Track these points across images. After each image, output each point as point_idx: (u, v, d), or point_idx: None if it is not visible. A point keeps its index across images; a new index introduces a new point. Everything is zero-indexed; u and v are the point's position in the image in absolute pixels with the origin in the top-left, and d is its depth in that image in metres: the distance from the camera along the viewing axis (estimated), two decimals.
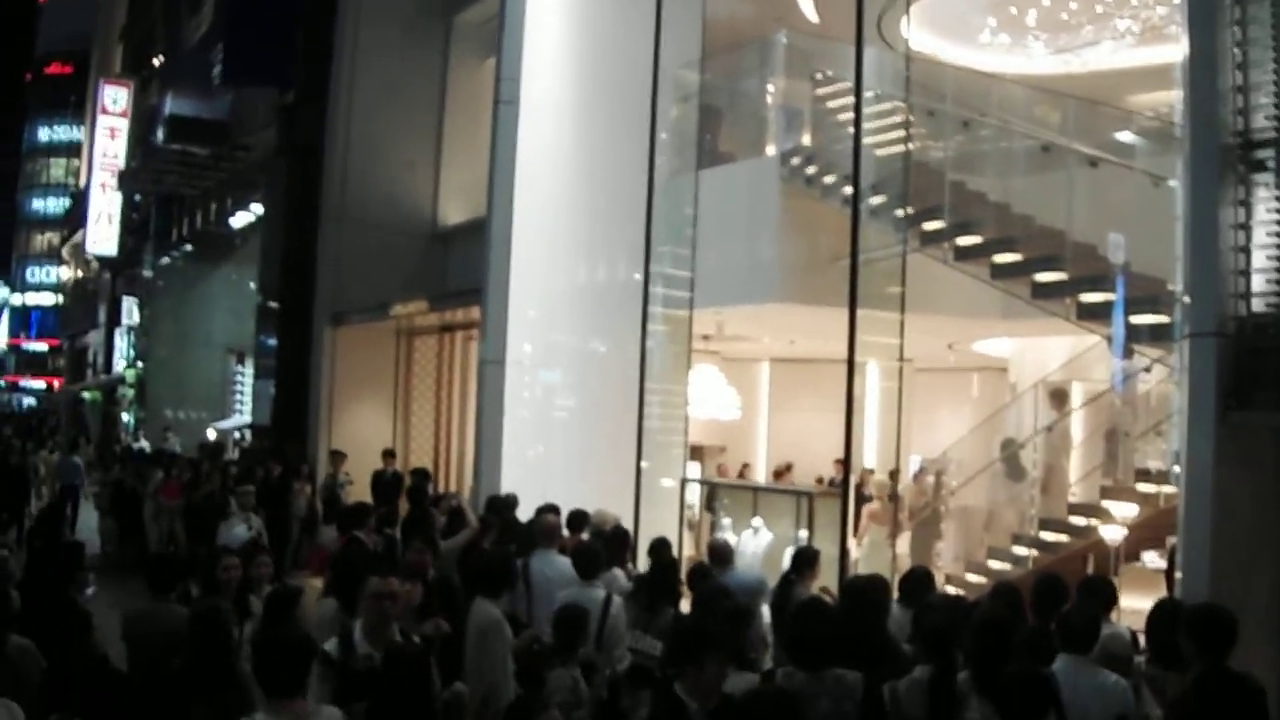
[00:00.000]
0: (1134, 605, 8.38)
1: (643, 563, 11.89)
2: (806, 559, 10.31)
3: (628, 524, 13.60)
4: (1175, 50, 9.11)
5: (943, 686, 6.58)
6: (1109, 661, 6.91)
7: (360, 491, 19.56)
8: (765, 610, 9.82)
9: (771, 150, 16.96)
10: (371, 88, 23.60)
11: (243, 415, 33.68)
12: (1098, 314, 12.69)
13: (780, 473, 20.48)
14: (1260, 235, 8.31)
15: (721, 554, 10.80)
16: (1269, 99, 8.36)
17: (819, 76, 16.93)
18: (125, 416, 45.85)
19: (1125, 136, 15.17)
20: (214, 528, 14.84)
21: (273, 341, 26.63)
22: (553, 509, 11.22)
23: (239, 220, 33.06)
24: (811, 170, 15.74)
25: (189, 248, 39.74)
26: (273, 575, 9.39)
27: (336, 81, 24.01)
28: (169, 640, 7.86)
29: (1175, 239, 8.93)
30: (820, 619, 6.72)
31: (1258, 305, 8.29)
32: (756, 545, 14.46)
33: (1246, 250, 8.34)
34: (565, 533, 11.07)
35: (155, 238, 42.18)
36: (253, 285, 30.28)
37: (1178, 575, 8.54)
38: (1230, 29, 8.54)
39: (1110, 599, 8.15)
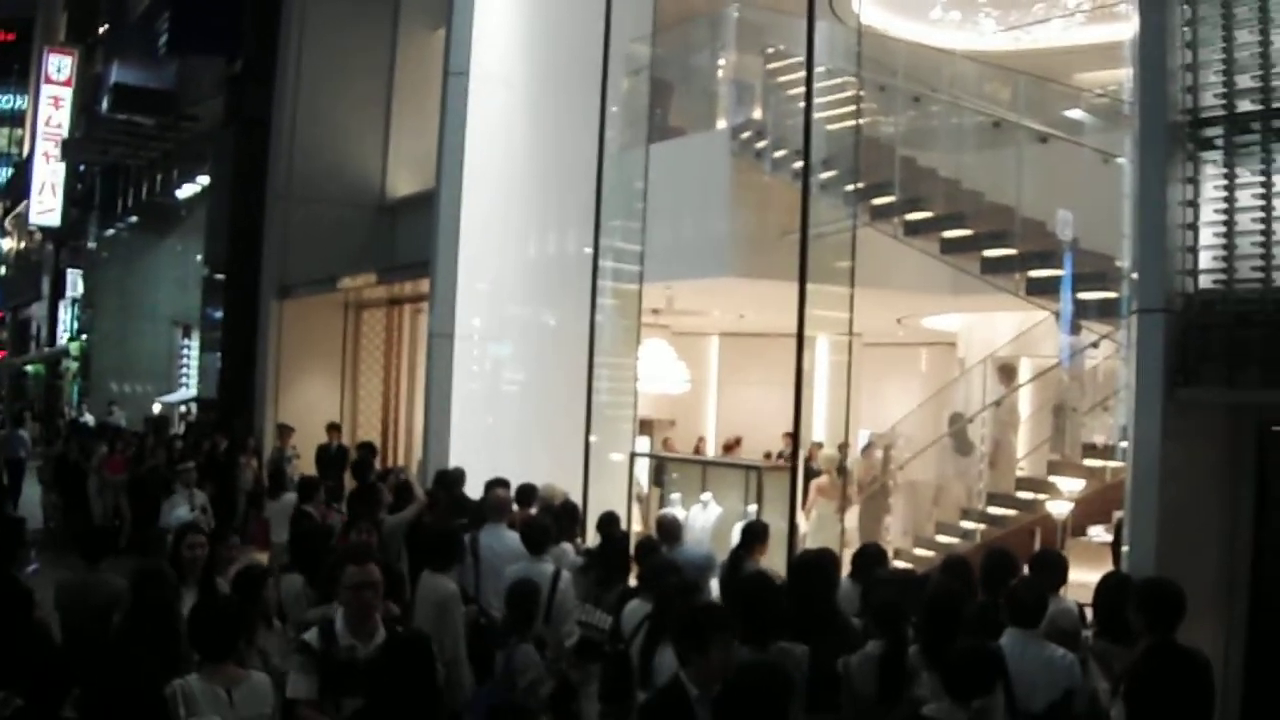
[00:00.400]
0: (1080, 579, 8.43)
1: (591, 537, 11.88)
2: (755, 533, 10.27)
3: (576, 498, 13.60)
4: (1124, 28, 9.14)
5: (894, 661, 6.62)
6: (1057, 636, 6.96)
7: (307, 465, 19.53)
8: (714, 585, 9.83)
9: (722, 124, 16.97)
10: (320, 58, 23.38)
11: (188, 389, 33.37)
12: (1046, 289, 12.77)
13: (729, 446, 20.51)
14: (1208, 213, 8.34)
15: (670, 529, 10.78)
16: (1218, 78, 8.39)
17: (770, 51, 16.90)
18: (69, 390, 45.38)
19: (1074, 113, 15.25)
20: (159, 502, 14.76)
21: (219, 314, 26.37)
22: (502, 483, 11.18)
23: (185, 191, 32.70)
24: (762, 145, 15.75)
25: (134, 219, 39.25)
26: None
27: (284, 51, 23.77)
28: (103, 609, 8.04)
29: (1123, 216, 8.97)
30: (765, 593, 6.73)
31: (1205, 282, 8.33)
32: (705, 520, 14.47)
33: (1194, 228, 8.38)
34: (515, 507, 11.02)
35: (100, 209, 41.63)
36: (199, 257, 29.93)
37: (1124, 550, 8.59)
38: (1180, 7, 8.56)
39: (1062, 575, 8.21)
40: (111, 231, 41.14)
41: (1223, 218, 8.24)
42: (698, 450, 21.29)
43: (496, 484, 11.13)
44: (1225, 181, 8.26)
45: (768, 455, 19.01)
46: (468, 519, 10.83)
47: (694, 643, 5.58)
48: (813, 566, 7.87)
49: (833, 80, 14.78)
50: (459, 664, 7.86)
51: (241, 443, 20.12)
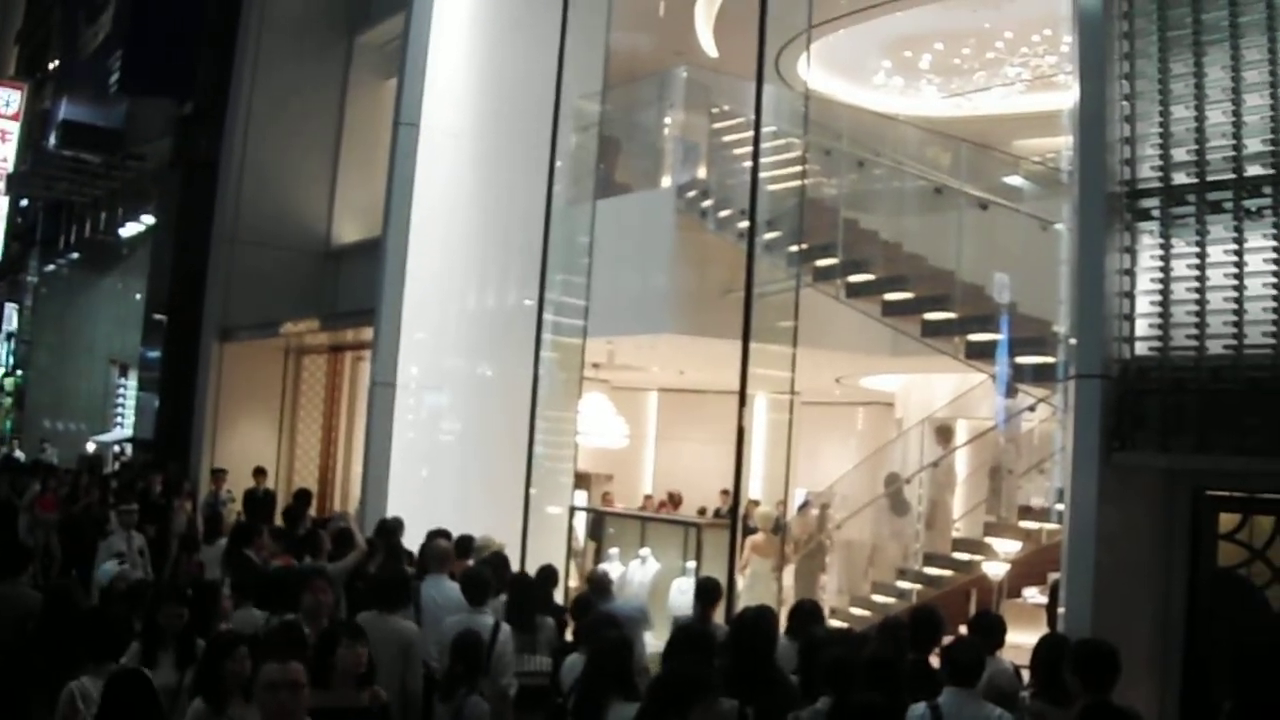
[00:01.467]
0: (1015, 641, 8.53)
1: None
2: (706, 591, 10.15)
3: (514, 551, 13.59)
4: (1063, 98, 9.36)
5: (843, 717, 6.69)
6: (995, 696, 7.04)
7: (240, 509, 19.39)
8: (648, 638, 9.86)
9: (668, 182, 17.08)
10: (270, 102, 23.35)
11: (124, 429, 33.01)
12: (985, 353, 12.93)
13: (664, 504, 20.56)
14: (1144, 281, 8.56)
15: (601, 584, 10.84)
16: (1154, 150, 8.63)
17: (716, 111, 17.08)
18: (1, 425, 44.78)
19: (1014, 180, 15.49)
20: (91, 542, 14.58)
21: (158, 354, 26.16)
22: (444, 534, 11.18)
23: (128, 230, 32.52)
24: (707, 204, 15.86)
25: (76, 256, 38.99)
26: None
27: (235, 95, 23.71)
28: (20, 621, 8.33)
29: (1061, 282, 9.14)
30: (702, 647, 6.74)
31: (1141, 349, 8.53)
32: (644, 575, 14.50)
33: (1131, 296, 8.59)
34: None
35: (42, 244, 41.33)
36: (139, 297, 29.74)
37: (1060, 611, 8.71)
38: (1119, 81, 8.81)
39: (1000, 636, 8.31)
40: (52, 267, 40.88)
41: (1159, 286, 8.46)
42: (644, 507, 21.16)
43: (438, 534, 11.13)
44: (1161, 251, 8.48)
45: (702, 511, 19.02)
46: (410, 569, 10.82)
47: (672, 706, 5.40)
48: (753, 624, 7.90)
49: (778, 142, 14.94)
50: (419, 700, 8.15)
51: (177, 486, 19.92)
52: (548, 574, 11.01)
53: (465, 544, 11.56)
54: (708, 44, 20.33)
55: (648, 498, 22.32)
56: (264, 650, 6.31)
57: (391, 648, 8.18)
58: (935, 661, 7.74)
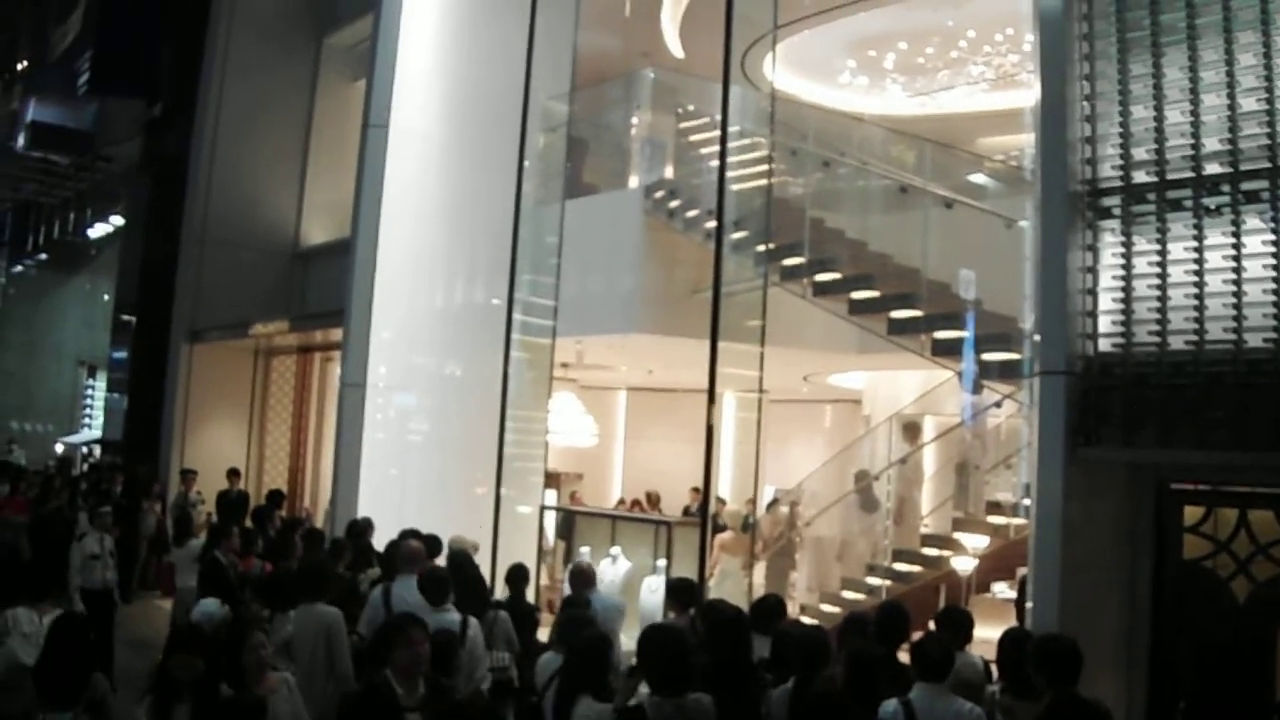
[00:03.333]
0: (985, 635, 8.62)
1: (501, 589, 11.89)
2: (679, 592, 10.15)
3: (486, 550, 13.62)
4: (1026, 96, 9.46)
5: (804, 694, 6.79)
6: (961, 687, 7.12)
7: (210, 510, 19.37)
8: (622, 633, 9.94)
9: (635, 182, 17.15)
10: (239, 104, 23.39)
11: (92, 430, 32.91)
12: (951, 350, 13.03)
13: (636, 503, 20.56)
14: (1106, 279, 8.68)
15: (585, 576, 10.90)
16: (1115, 150, 8.76)
17: (682, 111, 17.15)
18: None
19: (978, 178, 15.60)
20: (62, 543, 14.54)
21: (126, 355, 26.09)
22: (414, 534, 11.20)
23: (96, 231, 32.50)
24: (674, 204, 15.95)
25: (44, 257, 38.84)
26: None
27: (204, 96, 23.71)
28: None
29: (1025, 279, 9.25)
30: (677, 646, 6.79)
31: (1104, 345, 8.65)
32: (615, 574, 14.53)
33: (1094, 293, 8.71)
34: None
35: (10, 245, 41.09)
36: (107, 298, 29.65)
37: (1028, 605, 8.81)
38: (1079, 82, 8.93)
39: (968, 631, 8.38)
40: (20, 268, 40.67)
41: (1121, 284, 8.59)
42: (630, 508, 21.00)
43: (408, 535, 11.16)
44: (1123, 249, 8.61)
45: (686, 511, 18.95)
46: (381, 569, 10.85)
47: None
48: (735, 621, 7.96)
49: (744, 141, 15.01)
50: (350, 679, 8.50)
51: (146, 487, 19.88)
52: (518, 572, 11.03)
53: (434, 544, 11.56)
54: (674, 45, 20.40)
55: (621, 501, 22.17)
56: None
57: (319, 633, 8.66)
58: (904, 658, 7.84)
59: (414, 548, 10.58)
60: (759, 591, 14.15)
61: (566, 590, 11.50)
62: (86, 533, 14.23)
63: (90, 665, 7.16)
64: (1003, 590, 14.37)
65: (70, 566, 13.44)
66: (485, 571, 12.17)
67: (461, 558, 11.04)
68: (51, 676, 6.88)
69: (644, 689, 6.58)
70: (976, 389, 13.75)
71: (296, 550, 11.68)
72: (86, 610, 12.31)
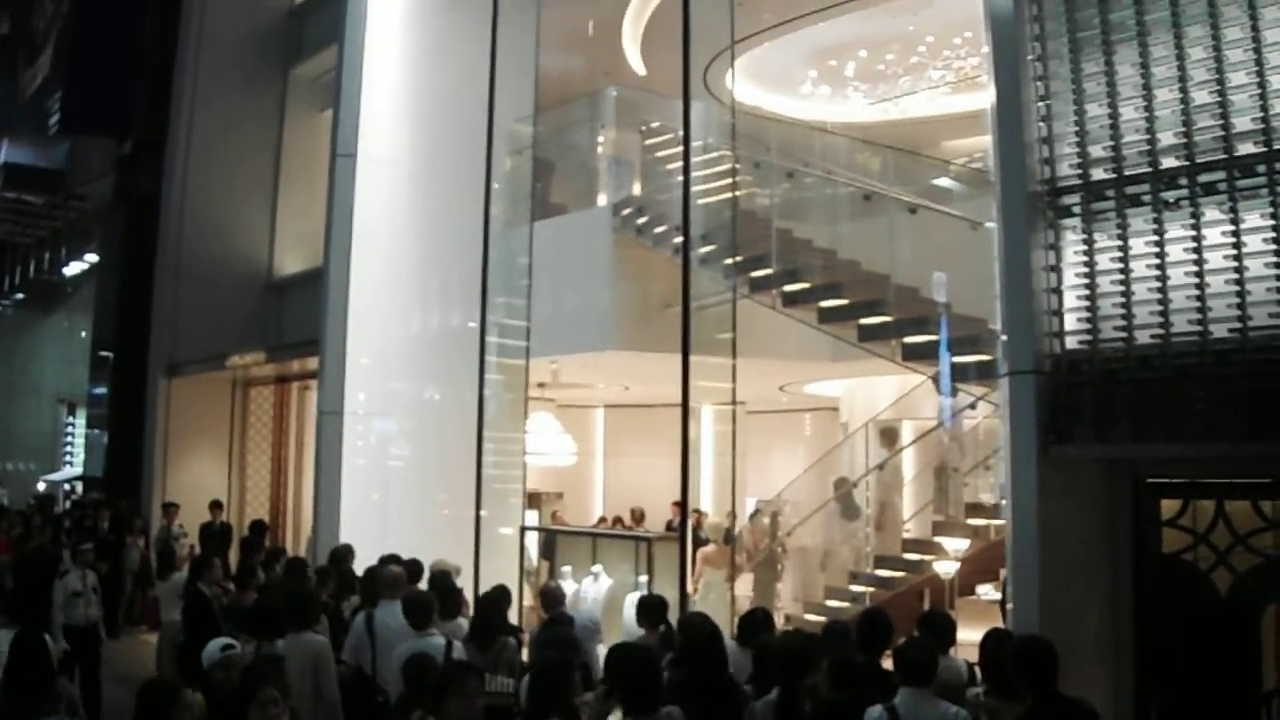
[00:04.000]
0: (971, 638, 8.63)
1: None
2: (649, 610, 10.08)
3: (468, 573, 13.61)
4: (987, 98, 9.52)
5: (790, 705, 6.79)
6: (943, 691, 7.13)
7: (194, 543, 19.34)
8: (600, 651, 9.91)
9: (603, 201, 17.18)
10: (209, 139, 23.42)
11: (73, 467, 32.81)
12: (922, 354, 13.02)
13: (619, 520, 20.56)
14: (1070, 277, 8.74)
15: (552, 598, 10.91)
16: (1072, 148, 8.82)
17: (646, 129, 17.19)
18: None
19: (943, 182, 15.67)
20: (45, 581, 14.48)
21: (105, 391, 26.04)
22: (395, 559, 11.21)
23: (72, 269, 32.46)
24: (642, 220, 15.97)
25: (20, 296, 38.75)
26: None
27: (174, 132, 23.72)
28: None
29: (993, 280, 9.29)
30: (644, 665, 6.79)
31: (1071, 343, 8.69)
32: (596, 591, 14.50)
33: (1059, 291, 8.77)
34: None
35: None
36: (85, 335, 29.60)
37: (1009, 606, 8.83)
38: (1034, 83, 9.00)
39: (950, 635, 8.40)
40: None
41: (1085, 281, 8.64)
42: (613, 525, 20.95)
43: (388, 560, 11.17)
44: (1085, 247, 8.67)
45: (669, 526, 18.91)
46: (360, 595, 10.82)
47: None
48: (711, 637, 7.96)
49: (709, 155, 15.05)
50: (338, 707, 8.65)
51: (128, 522, 19.83)
52: (500, 594, 11.01)
53: (415, 568, 11.55)
54: (636, 63, 20.46)
55: (601, 519, 22.11)
56: None
57: (307, 662, 8.65)
58: (887, 663, 7.86)
59: (395, 573, 10.57)
60: (742, 604, 14.19)
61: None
62: (69, 570, 14.16)
63: (52, 673, 7.66)
64: (987, 592, 14.40)
65: (53, 604, 13.37)
66: (468, 594, 12.16)
67: (443, 580, 11.04)
68: (18, 688, 7.15)
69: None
70: (952, 391, 13.77)
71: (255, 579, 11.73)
72: (71, 647, 12.24)
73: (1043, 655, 6.58)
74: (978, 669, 8.12)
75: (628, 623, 13.27)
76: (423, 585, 11.11)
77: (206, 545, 18.63)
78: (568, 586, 13.84)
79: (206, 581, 12.05)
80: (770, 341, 15.26)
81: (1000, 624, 10.46)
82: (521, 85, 16.30)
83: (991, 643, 7.67)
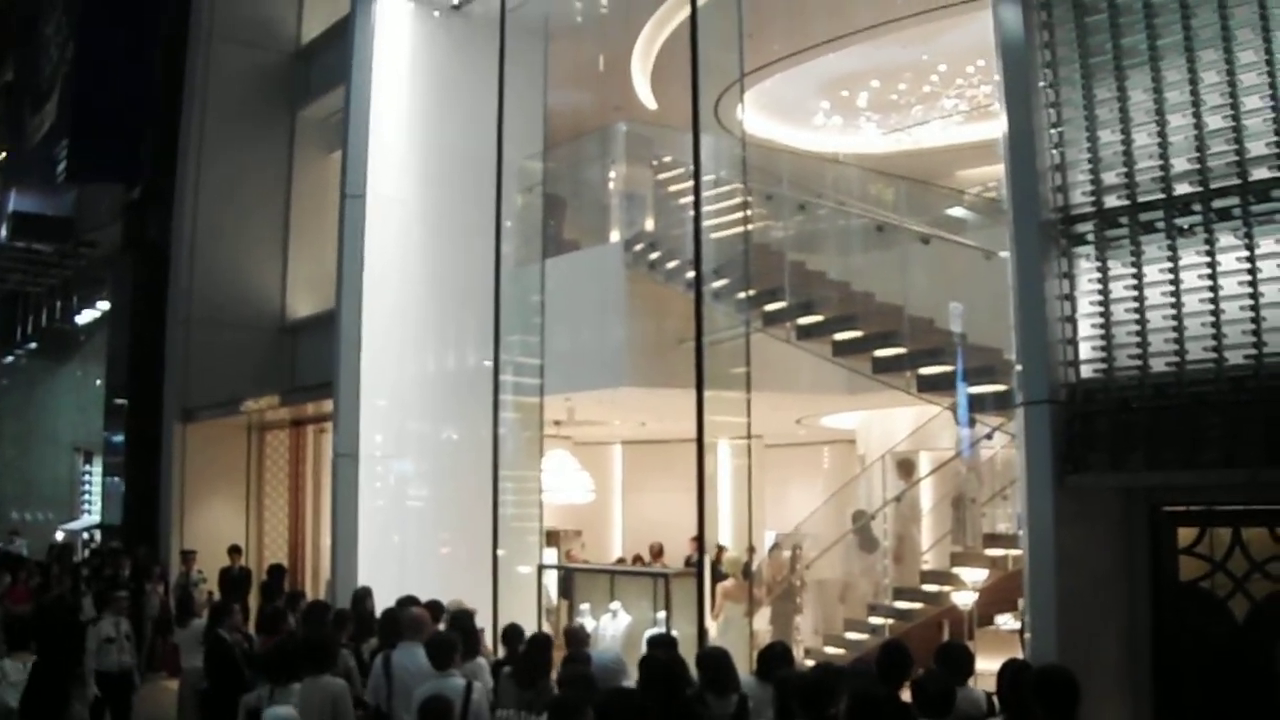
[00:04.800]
0: (990, 668, 8.55)
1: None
2: (657, 647, 10.00)
3: (486, 612, 13.56)
4: (1000, 126, 9.48)
5: None
6: None
7: (212, 589, 19.28)
8: None
9: (615, 237, 17.16)
10: (217, 182, 23.43)
11: (91, 515, 32.78)
12: (937, 385, 12.97)
13: (638, 558, 20.45)
14: (1085, 305, 8.69)
15: (576, 638, 10.85)
16: (1085, 175, 8.78)
17: (657, 163, 17.18)
18: None
19: (957, 212, 15.63)
20: (66, 631, 14.45)
21: (121, 439, 26.03)
22: (413, 600, 11.18)
23: (84, 317, 32.49)
24: (655, 256, 15.92)
25: (33, 345, 38.84)
26: None
27: (182, 177, 23.75)
28: None
29: (1008, 310, 9.25)
30: (637, 712, 6.72)
31: (1086, 372, 8.64)
32: (615, 629, 14.44)
33: (1073, 320, 8.72)
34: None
35: None
36: (99, 382, 29.61)
37: (1027, 636, 8.76)
38: (1046, 110, 8.97)
39: (968, 666, 8.33)
40: (10, 359, 40.61)
41: (1099, 309, 8.59)
42: (636, 562, 20.79)
43: (407, 601, 11.14)
44: (1099, 275, 8.62)
45: (688, 561, 18.80)
46: (378, 637, 10.78)
47: None
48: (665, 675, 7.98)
49: (721, 189, 15.04)
50: None
51: (147, 569, 19.82)
52: (512, 632, 10.96)
53: (435, 609, 11.51)
54: (646, 97, 20.50)
55: (619, 560, 21.77)
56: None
57: (324, 705, 8.76)
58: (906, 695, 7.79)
59: (418, 615, 10.52)
60: (762, 637, 14.12)
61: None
62: (102, 617, 14.14)
63: (69, 695, 8.18)
64: (1006, 622, 14.29)
65: (85, 651, 13.37)
66: (487, 635, 12.13)
67: (465, 620, 11.01)
68: (34, 710, 7.75)
69: None
70: (968, 422, 13.70)
71: (285, 624, 11.64)
72: (103, 694, 12.30)
73: (1063, 684, 6.52)
74: (996, 699, 8.04)
75: None
76: (441, 626, 11.09)
77: (226, 590, 18.59)
78: (586, 624, 13.79)
79: (227, 628, 12.01)
80: (785, 375, 15.21)
81: (1019, 654, 10.40)
82: (531, 122, 16.35)
83: (1010, 673, 7.60)
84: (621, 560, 21.50)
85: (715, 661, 8.37)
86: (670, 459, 21.85)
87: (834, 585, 16.19)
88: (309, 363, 21.87)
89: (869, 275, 14.95)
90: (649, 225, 16.90)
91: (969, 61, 18.38)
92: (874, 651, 11.04)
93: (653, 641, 10.28)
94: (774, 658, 9.11)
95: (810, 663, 12.63)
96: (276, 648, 10.23)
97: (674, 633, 12.01)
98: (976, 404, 12.77)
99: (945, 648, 8.91)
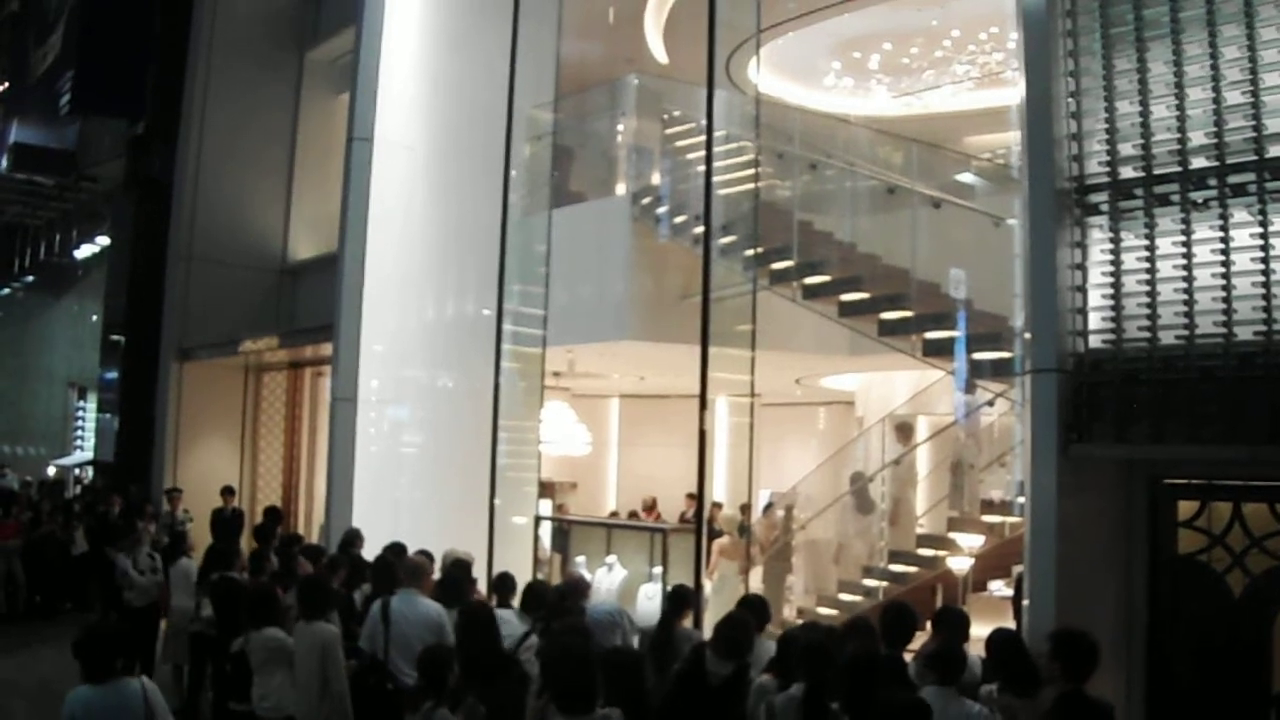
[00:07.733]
0: (982, 634, 8.61)
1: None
2: (682, 599, 10.24)
3: (481, 562, 13.59)
4: (1011, 94, 9.45)
5: (816, 702, 6.76)
6: (959, 687, 7.11)
7: (200, 528, 19.29)
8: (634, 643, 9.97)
9: (622, 190, 17.10)
10: (222, 121, 23.33)
11: (84, 451, 32.79)
12: (942, 350, 12.97)
13: (634, 514, 20.53)
14: (1096, 275, 8.67)
15: (577, 587, 10.89)
16: (1101, 145, 8.74)
17: (668, 117, 17.12)
18: None
19: (966, 177, 15.58)
20: (54, 566, 14.55)
21: (117, 376, 26.00)
22: (402, 549, 11.26)
23: (83, 252, 32.43)
24: (661, 210, 15.89)
25: (31, 279, 38.72)
26: None
27: (187, 114, 23.63)
28: None
29: (1015, 277, 9.23)
30: (580, 663, 6.73)
31: (1094, 342, 8.63)
32: (611, 582, 14.50)
33: (1083, 290, 8.70)
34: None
35: None
36: (96, 318, 29.53)
37: (1024, 603, 8.80)
38: (1064, 79, 8.92)
39: (964, 631, 8.36)
40: (7, 291, 40.57)
41: (1110, 280, 8.57)
42: (633, 518, 20.82)
43: (397, 549, 11.21)
44: (1111, 245, 8.59)
45: (683, 517, 18.92)
46: (372, 583, 10.76)
47: None
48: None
49: (730, 146, 14.99)
50: (345, 698, 8.72)
51: (139, 507, 19.85)
52: (504, 580, 10.95)
53: (426, 558, 11.51)
54: (658, 51, 20.41)
55: (614, 513, 21.97)
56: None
57: (315, 650, 8.75)
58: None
59: (419, 562, 10.53)
60: None
61: None
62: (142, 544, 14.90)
63: None
64: (999, 588, 14.35)
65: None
66: (480, 584, 12.15)
67: (461, 569, 11.04)
68: None
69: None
70: (969, 388, 13.72)
71: (302, 569, 11.61)
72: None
73: (1088, 650, 6.75)
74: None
75: (641, 613, 13.27)
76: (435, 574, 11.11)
77: (217, 531, 18.61)
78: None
79: (237, 570, 12.00)
80: (788, 334, 15.20)
81: (1012, 620, 10.46)
82: (542, 71, 16.27)
83: (1000, 641, 7.66)
84: (615, 514, 21.56)
85: (724, 626, 8.30)
86: (666, 414, 21.95)
87: (828, 546, 16.24)
88: (309, 305, 21.85)
89: (876, 238, 14.93)
90: (656, 179, 16.84)
91: (982, 28, 18.30)
92: (868, 613, 11.14)
93: (742, 602, 9.99)
94: (749, 608, 9.09)
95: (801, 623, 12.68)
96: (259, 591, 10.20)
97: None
98: (977, 370, 12.79)
99: (942, 612, 8.96)
